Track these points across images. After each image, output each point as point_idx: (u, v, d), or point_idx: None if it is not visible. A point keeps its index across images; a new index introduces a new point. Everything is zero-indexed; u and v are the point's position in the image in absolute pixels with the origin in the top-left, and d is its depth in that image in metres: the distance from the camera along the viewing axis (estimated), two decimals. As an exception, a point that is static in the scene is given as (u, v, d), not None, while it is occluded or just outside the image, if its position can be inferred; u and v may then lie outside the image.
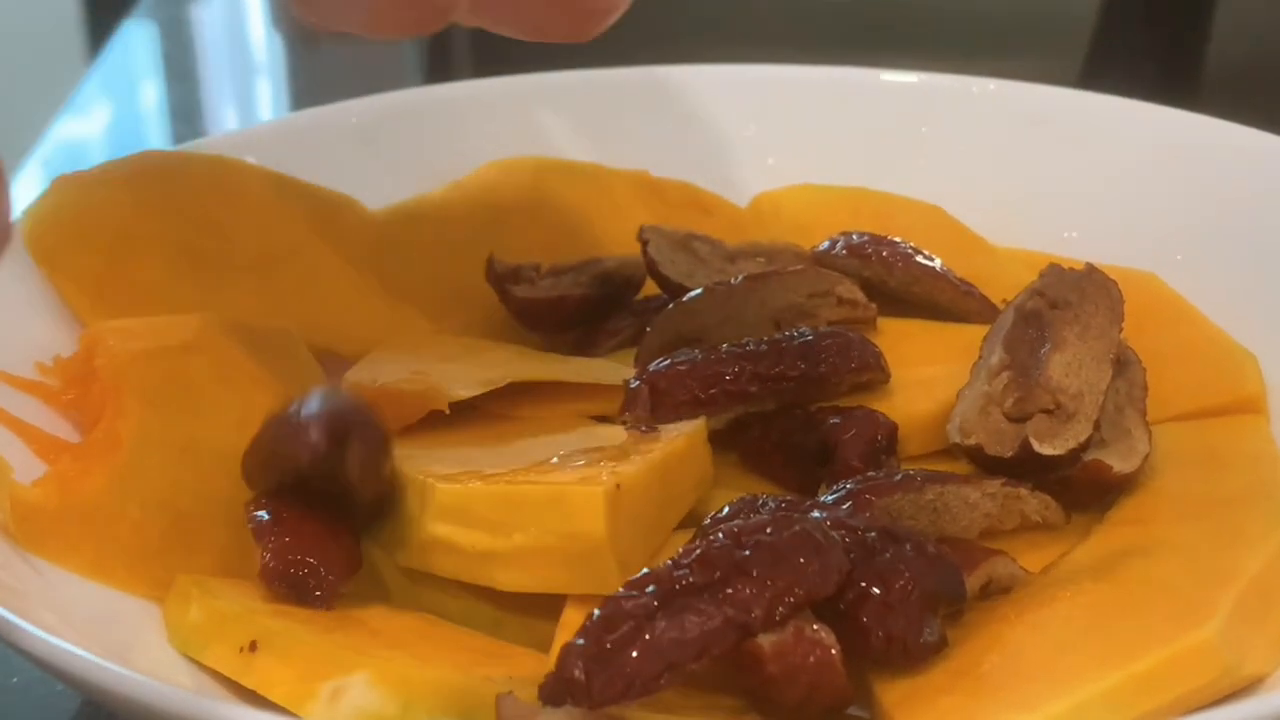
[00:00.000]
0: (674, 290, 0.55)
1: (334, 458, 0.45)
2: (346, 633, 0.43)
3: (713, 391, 0.48)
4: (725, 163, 0.65)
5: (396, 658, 0.41)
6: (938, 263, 0.56)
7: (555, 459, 0.46)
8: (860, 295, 0.54)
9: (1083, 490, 0.47)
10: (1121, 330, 0.49)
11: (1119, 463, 0.47)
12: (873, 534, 0.41)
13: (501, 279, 0.58)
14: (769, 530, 0.39)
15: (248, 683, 0.42)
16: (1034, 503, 0.46)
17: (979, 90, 0.65)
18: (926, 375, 0.50)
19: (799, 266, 0.54)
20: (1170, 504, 0.47)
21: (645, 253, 0.57)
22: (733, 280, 0.54)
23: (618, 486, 0.43)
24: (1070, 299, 0.49)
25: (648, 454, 0.45)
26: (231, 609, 0.43)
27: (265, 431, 0.46)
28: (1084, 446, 0.47)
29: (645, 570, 0.39)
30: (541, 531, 0.43)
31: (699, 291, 0.53)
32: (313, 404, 0.45)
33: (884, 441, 0.47)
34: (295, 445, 0.45)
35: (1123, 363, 0.49)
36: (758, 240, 0.59)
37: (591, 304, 0.57)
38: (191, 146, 0.61)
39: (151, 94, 1.00)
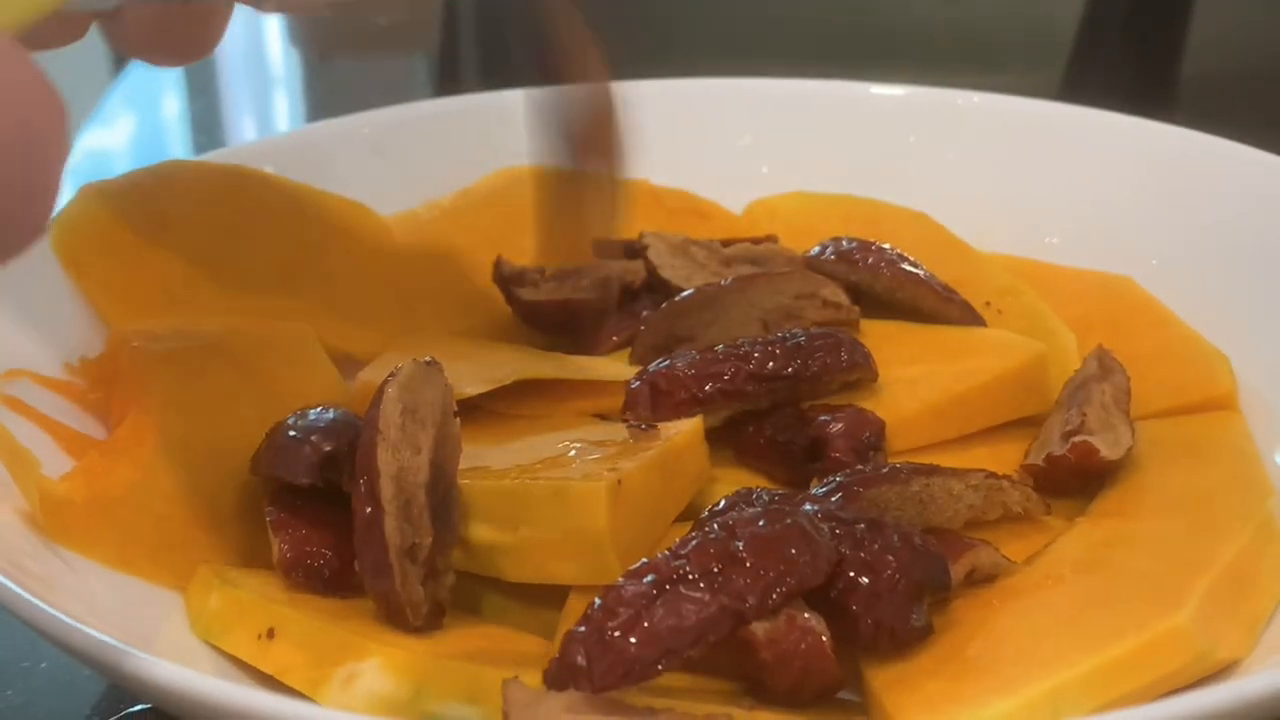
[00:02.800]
0: (672, 293, 0.55)
1: (330, 474, 0.45)
2: (360, 620, 0.43)
3: (710, 391, 0.48)
4: (721, 171, 0.65)
5: (407, 644, 0.41)
6: (922, 268, 0.56)
7: (559, 456, 0.46)
8: (844, 298, 0.54)
9: (1070, 475, 0.47)
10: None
11: (1106, 449, 0.47)
12: (861, 525, 0.41)
13: (508, 282, 0.58)
14: (762, 523, 0.39)
15: (265, 668, 0.42)
16: (1015, 494, 0.46)
17: (963, 102, 0.65)
18: (911, 375, 0.50)
19: (786, 270, 0.54)
20: (1149, 496, 0.47)
21: (645, 257, 0.57)
22: (723, 282, 0.54)
23: (619, 482, 0.43)
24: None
25: (647, 451, 0.45)
26: (250, 598, 0.43)
27: (268, 443, 0.46)
28: (1076, 431, 0.47)
29: (644, 561, 0.39)
30: (546, 525, 0.43)
31: (690, 292, 0.54)
32: (308, 424, 0.46)
33: (872, 438, 0.48)
34: (292, 466, 0.45)
35: (1106, 369, 0.50)
36: (752, 245, 0.59)
37: (593, 306, 0.57)
38: (212, 156, 0.61)
39: (173, 106, 1.00)
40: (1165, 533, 0.45)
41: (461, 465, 0.45)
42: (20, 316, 0.51)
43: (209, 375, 0.50)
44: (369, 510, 0.42)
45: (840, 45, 1.01)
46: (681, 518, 0.46)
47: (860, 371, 0.50)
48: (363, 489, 0.42)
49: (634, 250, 0.58)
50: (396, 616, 0.42)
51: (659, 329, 0.53)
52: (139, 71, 1.01)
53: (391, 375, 0.44)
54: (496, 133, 0.64)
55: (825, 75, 0.67)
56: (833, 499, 0.43)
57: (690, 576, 0.38)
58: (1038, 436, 0.49)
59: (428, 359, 0.44)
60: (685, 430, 0.47)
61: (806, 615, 0.39)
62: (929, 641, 0.41)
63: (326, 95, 1.01)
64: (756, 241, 0.59)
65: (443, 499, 0.43)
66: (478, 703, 0.39)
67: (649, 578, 0.38)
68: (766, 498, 0.43)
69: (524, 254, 0.60)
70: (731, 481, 0.47)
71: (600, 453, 0.45)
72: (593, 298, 0.57)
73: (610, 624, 0.37)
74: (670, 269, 0.57)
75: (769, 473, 0.49)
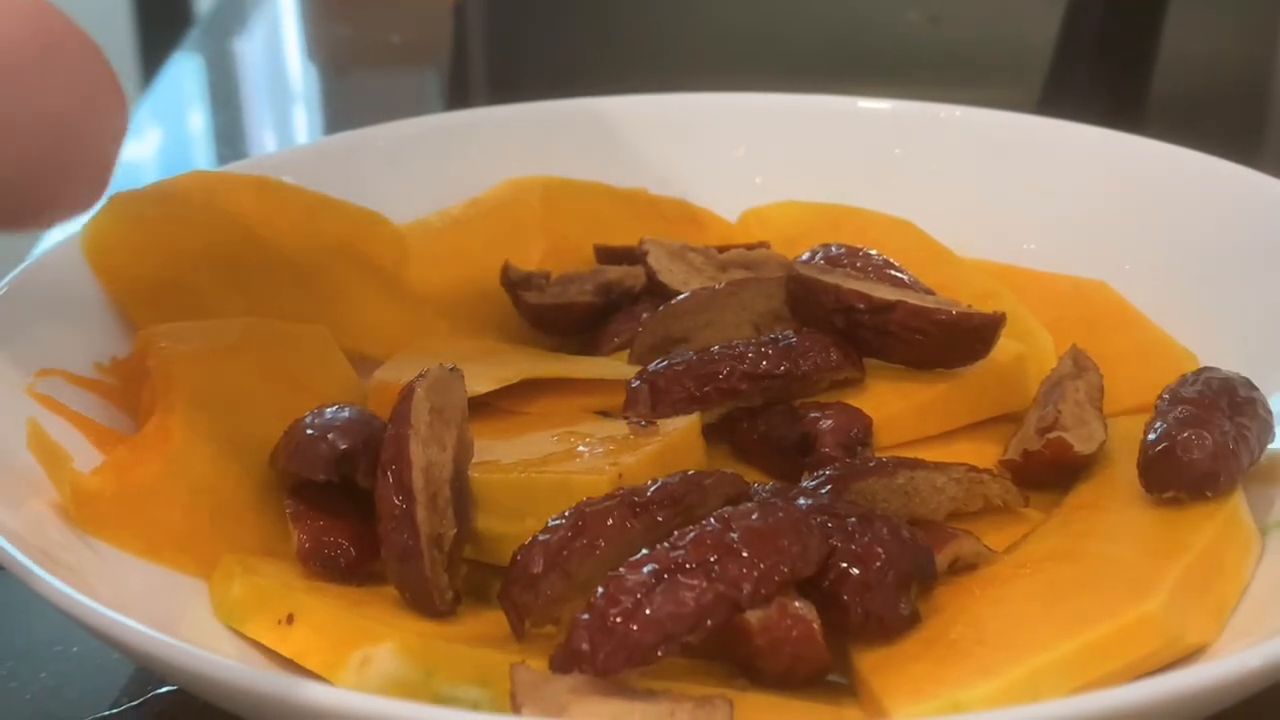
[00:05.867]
0: (670, 296, 0.55)
1: (345, 469, 0.45)
2: (374, 606, 0.43)
3: (706, 389, 0.48)
4: (717, 181, 0.65)
5: (420, 629, 0.41)
6: (907, 274, 0.55)
7: (564, 450, 0.46)
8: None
9: (1045, 469, 0.47)
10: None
11: (1079, 444, 0.47)
12: (853, 519, 0.41)
13: (515, 286, 0.57)
14: (755, 516, 0.39)
15: (285, 652, 0.42)
16: (996, 487, 0.46)
17: (946, 116, 0.65)
18: (897, 374, 0.50)
19: (777, 274, 0.54)
20: (1122, 489, 0.47)
21: (645, 262, 0.57)
22: (716, 286, 0.54)
23: (620, 476, 0.43)
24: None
25: (647, 446, 0.45)
26: (270, 585, 0.43)
27: (287, 440, 0.46)
28: (1051, 427, 0.47)
29: (645, 551, 0.39)
30: (551, 516, 0.43)
31: (685, 295, 0.53)
32: (325, 422, 0.45)
33: (859, 433, 0.47)
34: (310, 462, 0.45)
35: (1081, 368, 0.49)
36: (745, 251, 0.59)
37: (596, 309, 0.57)
38: (234, 167, 0.61)
39: (198, 120, 1.00)
40: (1137, 523, 0.45)
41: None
42: (53, 319, 0.51)
43: (231, 374, 0.50)
44: (400, 500, 0.42)
45: (830, 62, 1.01)
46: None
47: (848, 371, 0.49)
48: (391, 480, 0.42)
49: (634, 256, 0.58)
50: (423, 601, 0.42)
51: (657, 330, 0.53)
52: (166, 87, 1.01)
53: (420, 376, 0.44)
54: (504, 144, 0.64)
55: (815, 90, 0.67)
56: (824, 492, 0.43)
57: (688, 566, 0.38)
58: (1016, 433, 0.49)
59: (451, 366, 0.45)
60: (683, 426, 0.47)
61: (798, 603, 0.39)
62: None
63: (343, 109, 1.01)
64: (750, 248, 0.59)
65: (459, 495, 0.43)
66: (487, 685, 0.39)
67: (649, 567, 0.38)
68: (763, 492, 0.43)
69: (530, 260, 0.60)
70: (727, 475, 0.47)
71: (602, 448, 0.45)
72: (595, 300, 0.57)
73: (613, 611, 0.37)
74: (668, 273, 0.57)
75: (762, 467, 0.49)
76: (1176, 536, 0.43)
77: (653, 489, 0.41)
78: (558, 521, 0.40)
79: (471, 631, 0.42)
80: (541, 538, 0.40)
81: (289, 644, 0.42)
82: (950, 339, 0.49)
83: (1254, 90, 0.97)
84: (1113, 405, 0.50)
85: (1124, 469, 0.47)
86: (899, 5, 1.07)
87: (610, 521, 0.40)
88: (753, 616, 0.38)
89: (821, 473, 0.45)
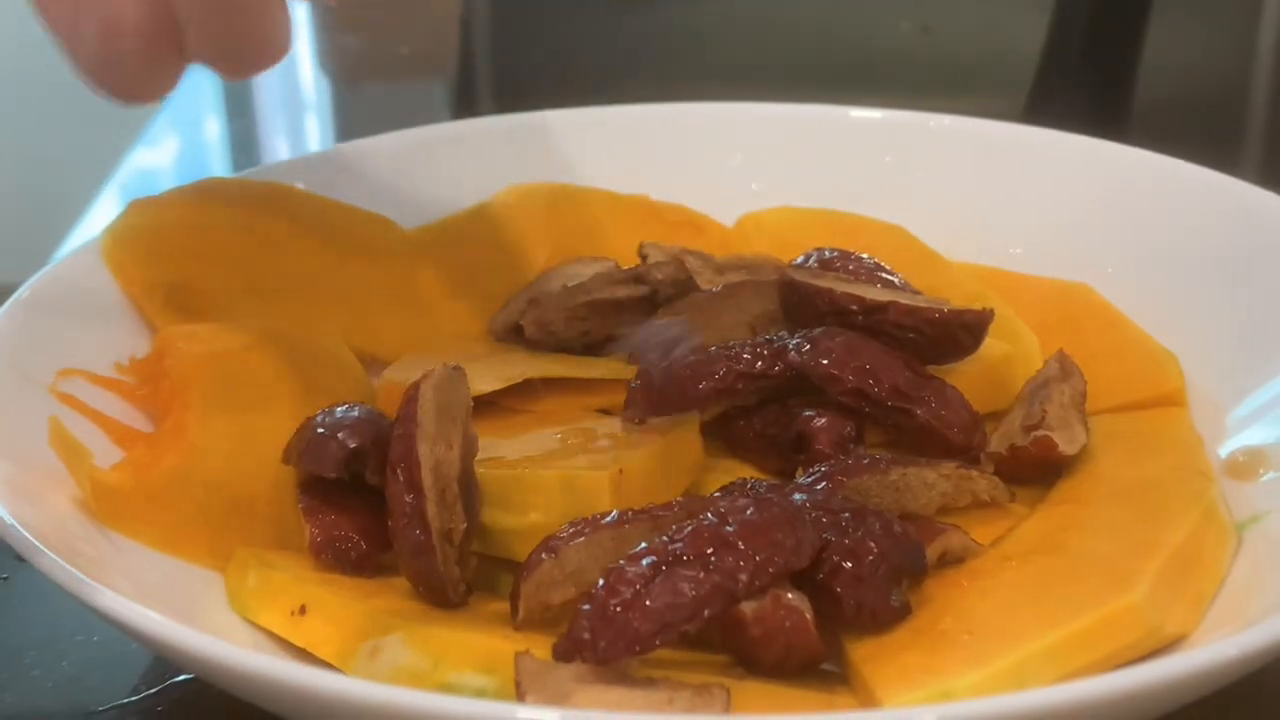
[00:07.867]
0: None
1: (355, 467, 0.45)
2: (384, 598, 0.43)
3: (704, 388, 0.48)
4: (715, 188, 0.65)
5: (428, 620, 0.41)
6: (898, 277, 0.55)
7: (566, 447, 0.46)
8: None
9: (1030, 467, 0.47)
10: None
11: (1064, 444, 0.47)
12: (846, 514, 0.41)
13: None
14: (751, 511, 0.39)
15: (298, 642, 0.42)
16: (984, 483, 0.46)
17: (935, 125, 0.65)
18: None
19: (773, 278, 0.54)
20: (1104, 485, 0.47)
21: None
22: (714, 289, 0.54)
23: (621, 471, 0.43)
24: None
25: (647, 443, 0.45)
26: (284, 577, 0.43)
27: (299, 438, 0.46)
28: (1038, 425, 0.47)
29: (644, 544, 0.39)
30: (555, 511, 0.43)
31: (684, 298, 0.53)
32: (335, 421, 0.45)
33: (852, 431, 0.47)
34: (321, 460, 0.45)
35: (1067, 372, 0.50)
36: (742, 255, 0.59)
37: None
38: (249, 174, 0.61)
39: (214, 128, 1.00)
40: (1119, 518, 0.45)
41: (478, 456, 0.45)
42: (74, 321, 0.51)
43: (246, 374, 0.50)
44: (410, 497, 0.42)
45: (824, 72, 1.01)
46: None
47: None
48: (402, 478, 0.42)
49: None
50: (437, 594, 0.42)
51: (657, 331, 0.53)
52: (183, 96, 1.01)
53: (425, 377, 0.44)
54: (508, 152, 0.64)
55: (809, 99, 0.67)
56: (819, 488, 0.43)
57: (686, 558, 0.38)
58: (999, 427, 0.49)
59: (454, 365, 0.45)
60: (682, 424, 0.47)
61: (791, 595, 0.39)
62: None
63: (353, 118, 1.01)
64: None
65: (467, 491, 0.43)
66: (493, 673, 0.39)
67: (648, 559, 0.38)
68: (761, 488, 0.43)
69: (534, 265, 0.60)
70: (724, 471, 0.47)
71: (604, 444, 0.46)
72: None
73: (613, 601, 0.37)
74: (668, 276, 0.57)
75: (758, 463, 0.49)
76: (1156, 530, 0.43)
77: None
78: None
79: (478, 621, 0.42)
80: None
81: (301, 634, 0.42)
82: (942, 335, 0.49)
83: (1233, 99, 0.97)
84: (1095, 403, 0.50)
85: (1106, 465, 0.48)
86: (891, 16, 1.07)
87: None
88: (748, 607, 0.38)
89: (817, 469, 0.45)
